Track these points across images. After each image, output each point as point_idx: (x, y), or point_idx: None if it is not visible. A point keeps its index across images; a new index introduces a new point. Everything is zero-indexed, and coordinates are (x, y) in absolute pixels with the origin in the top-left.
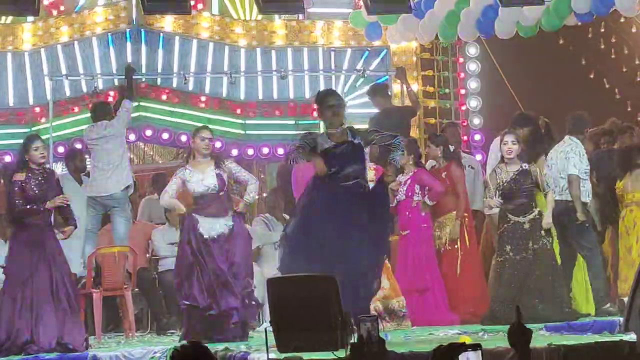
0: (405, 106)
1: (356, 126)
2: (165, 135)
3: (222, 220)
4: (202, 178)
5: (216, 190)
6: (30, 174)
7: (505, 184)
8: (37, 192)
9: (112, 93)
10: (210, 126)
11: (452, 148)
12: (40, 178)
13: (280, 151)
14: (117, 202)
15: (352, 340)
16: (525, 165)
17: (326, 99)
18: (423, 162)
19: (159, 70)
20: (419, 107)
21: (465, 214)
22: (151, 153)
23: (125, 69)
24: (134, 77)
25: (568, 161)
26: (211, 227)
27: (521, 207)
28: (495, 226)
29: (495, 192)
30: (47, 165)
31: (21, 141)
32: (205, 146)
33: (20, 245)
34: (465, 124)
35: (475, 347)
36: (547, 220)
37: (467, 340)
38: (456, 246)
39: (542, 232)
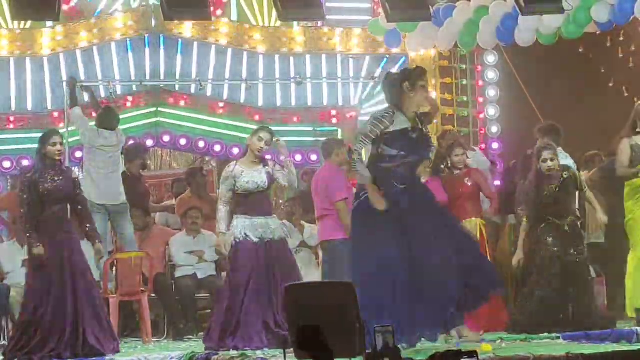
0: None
1: None
2: (182, 141)
3: None
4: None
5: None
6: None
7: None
8: (49, 187)
9: (130, 98)
10: (228, 132)
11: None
12: (53, 174)
13: (298, 157)
14: (123, 207)
15: (367, 350)
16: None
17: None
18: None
19: (177, 76)
20: (438, 112)
21: (482, 221)
22: (168, 159)
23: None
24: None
25: None
26: None
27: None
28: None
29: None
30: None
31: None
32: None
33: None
34: (483, 131)
35: (472, 354)
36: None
37: (488, 348)
38: None
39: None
